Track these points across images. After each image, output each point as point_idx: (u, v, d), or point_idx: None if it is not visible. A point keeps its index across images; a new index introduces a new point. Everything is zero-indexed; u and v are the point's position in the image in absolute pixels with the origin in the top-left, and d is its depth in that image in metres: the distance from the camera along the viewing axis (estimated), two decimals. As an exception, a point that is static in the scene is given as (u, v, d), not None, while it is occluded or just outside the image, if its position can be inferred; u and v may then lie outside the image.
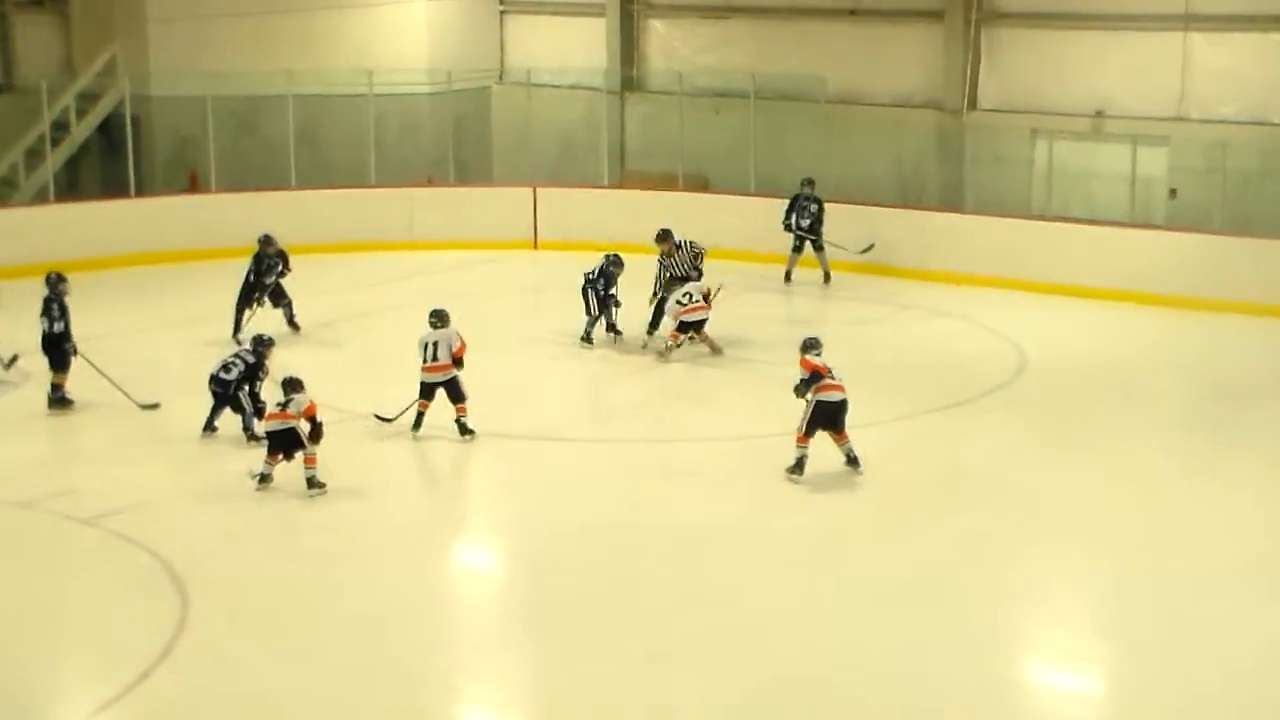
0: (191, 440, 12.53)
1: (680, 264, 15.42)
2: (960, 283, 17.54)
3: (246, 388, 12.12)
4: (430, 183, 21.29)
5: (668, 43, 22.61)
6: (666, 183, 20.75)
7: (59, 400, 12.92)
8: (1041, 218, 18.41)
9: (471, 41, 23.49)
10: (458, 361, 12.06)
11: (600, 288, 14.62)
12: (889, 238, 17.72)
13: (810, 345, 11.58)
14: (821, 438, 11.19)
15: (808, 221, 17.02)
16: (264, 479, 11.09)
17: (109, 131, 20.32)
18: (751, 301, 16.49)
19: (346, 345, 15.62)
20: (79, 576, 10.48)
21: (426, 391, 12.16)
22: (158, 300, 17.02)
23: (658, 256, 15.53)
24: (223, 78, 19.42)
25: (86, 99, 20.28)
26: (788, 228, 17.13)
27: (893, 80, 20.27)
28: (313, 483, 10.97)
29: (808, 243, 17.16)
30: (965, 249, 17.99)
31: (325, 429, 11.33)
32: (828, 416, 11.17)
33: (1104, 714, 8.59)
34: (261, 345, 12.24)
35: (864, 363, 13.56)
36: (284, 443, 11.12)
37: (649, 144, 22.43)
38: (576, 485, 11.74)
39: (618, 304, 14.78)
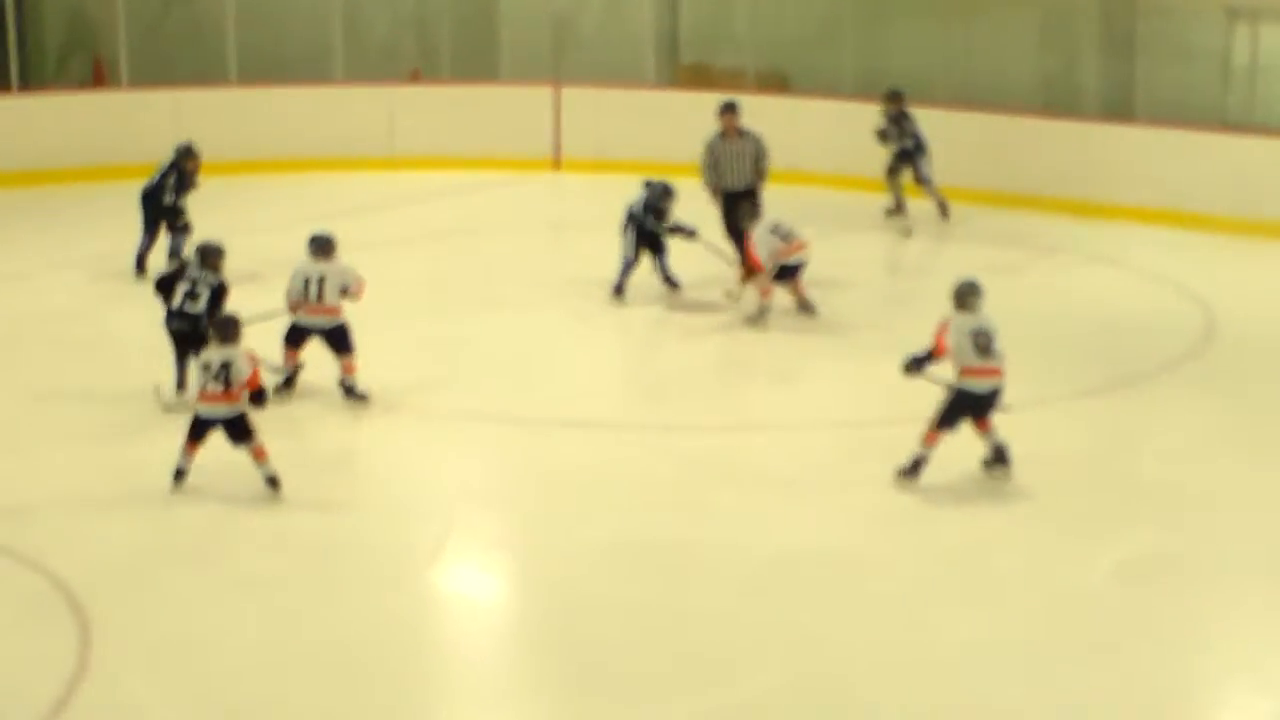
0: (96, 422, 12.80)
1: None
2: (1127, 219, 18.10)
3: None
4: (417, 79, 21.88)
5: None
6: (732, 81, 20.96)
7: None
8: (1239, 130, 18.65)
9: None
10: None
11: (646, 224, 14.81)
12: (1029, 158, 18.23)
13: (967, 293, 11.17)
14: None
15: (911, 142, 17.26)
16: (180, 476, 11.38)
17: None
18: (844, 244, 16.85)
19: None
20: None
21: (297, 338, 12.77)
22: (48, 232, 17.69)
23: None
24: None
25: None
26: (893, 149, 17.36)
27: None
28: (274, 483, 11.32)
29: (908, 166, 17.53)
30: (1134, 173, 18.46)
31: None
32: (973, 408, 11.07)
33: None
34: (210, 255, 12.69)
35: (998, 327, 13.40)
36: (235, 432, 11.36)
37: (709, 30, 22.96)
38: (611, 489, 11.77)
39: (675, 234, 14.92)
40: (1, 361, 14.34)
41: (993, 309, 14.34)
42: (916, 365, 11.23)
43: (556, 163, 20.78)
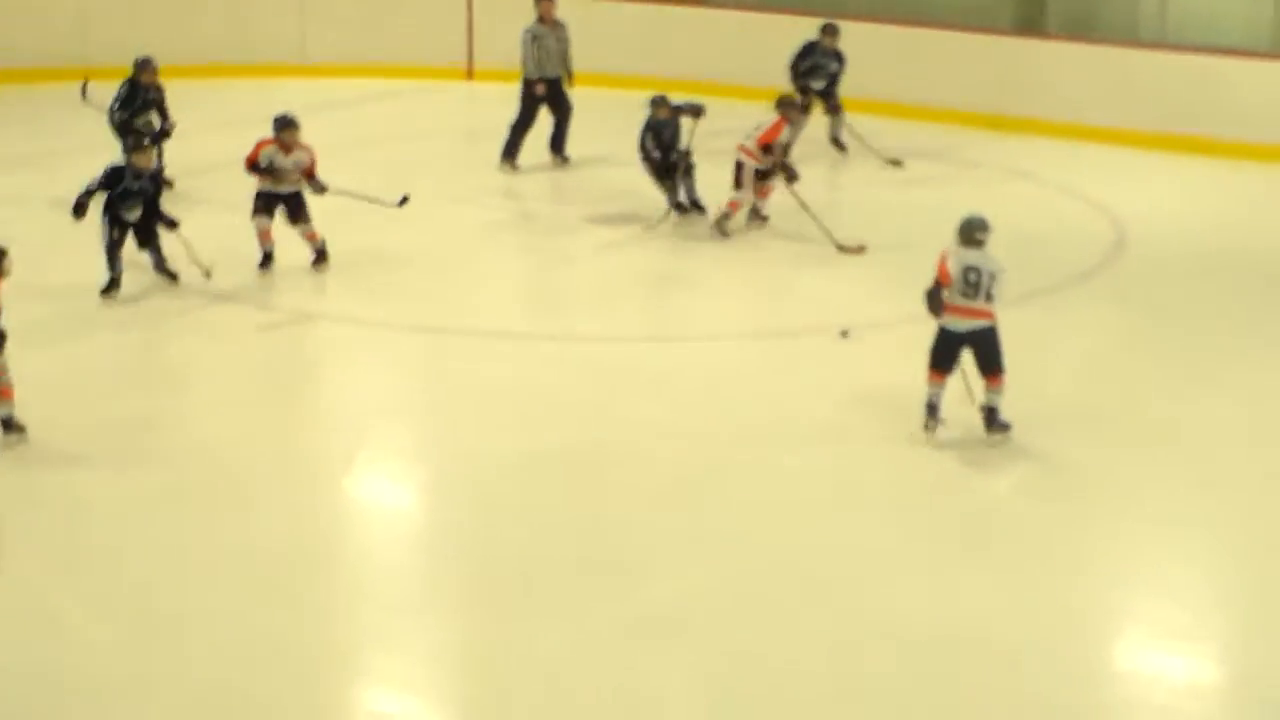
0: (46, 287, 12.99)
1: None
2: (1040, 133, 18.32)
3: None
4: None
5: None
6: None
7: None
8: (1149, 46, 18.78)
9: None
10: (310, 177, 13.60)
11: (651, 149, 14.95)
12: (944, 71, 18.50)
13: (972, 228, 10.90)
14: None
15: (822, 83, 17.24)
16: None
17: None
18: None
19: (212, 207, 15.59)
20: None
21: (268, 206, 13.51)
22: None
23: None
24: None
25: None
26: (798, 86, 17.38)
27: None
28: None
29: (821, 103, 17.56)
30: (1048, 87, 18.66)
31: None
32: (954, 346, 10.98)
33: (1211, 708, 8.68)
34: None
35: (914, 239, 13.80)
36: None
37: None
38: (524, 399, 11.77)
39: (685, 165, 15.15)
40: None
41: (908, 220, 14.91)
42: (933, 301, 10.93)
43: (469, 72, 20.77)
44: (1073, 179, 17.32)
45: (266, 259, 13.77)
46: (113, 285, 13.34)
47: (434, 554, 10.40)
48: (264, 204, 13.66)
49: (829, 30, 17.15)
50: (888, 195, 16.95)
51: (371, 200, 14.28)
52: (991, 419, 10.97)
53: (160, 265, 13.54)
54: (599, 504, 10.44)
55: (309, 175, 13.90)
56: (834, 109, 17.67)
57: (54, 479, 11.20)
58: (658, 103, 15.25)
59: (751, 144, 15.14)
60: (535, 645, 8.95)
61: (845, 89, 17.96)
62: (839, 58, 17.24)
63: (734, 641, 9.02)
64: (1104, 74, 18.72)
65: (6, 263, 11.56)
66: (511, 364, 12.82)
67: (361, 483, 11.38)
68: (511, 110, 17.95)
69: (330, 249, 14.51)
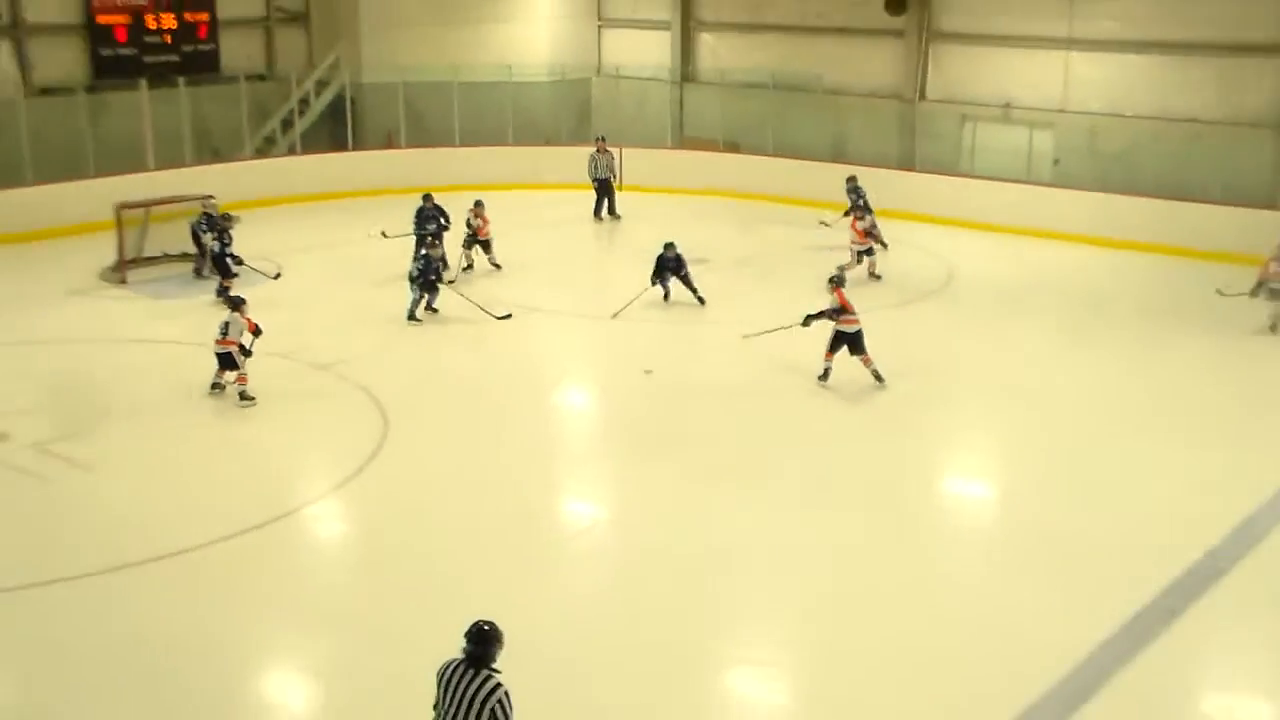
0: (388, 316, 16.85)
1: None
2: (909, 219, 22.70)
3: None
4: (548, 144, 27.59)
5: (714, 49, 28.80)
6: (710, 146, 27.01)
7: (224, 293, 17.12)
8: (967, 175, 24.00)
9: (578, 47, 30.14)
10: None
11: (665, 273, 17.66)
12: (863, 188, 21.49)
13: (838, 279, 14.16)
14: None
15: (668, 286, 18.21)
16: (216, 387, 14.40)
17: (335, 107, 27.23)
18: (766, 233, 22.25)
19: (521, 258, 20.11)
20: (319, 404, 14.34)
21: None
22: (361, 219, 21.63)
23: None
24: (410, 70, 26.33)
25: (321, 85, 27.35)
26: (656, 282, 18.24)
27: (867, 77, 26.10)
28: (244, 396, 14.13)
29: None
30: (914, 196, 23.60)
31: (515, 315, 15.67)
32: (845, 342, 14.05)
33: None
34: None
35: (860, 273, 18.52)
36: (226, 363, 14.15)
37: (699, 119, 28.42)
38: (633, 350, 15.73)
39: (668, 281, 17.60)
40: (336, 283, 18.76)
41: (833, 265, 17.47)
42: (816, 317, 14.23)
43: (619, 185, 24.72)
44: (925, 243, 21.35)
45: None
46: (413, 317, 16.90)
47: (597, 427, 14.05)
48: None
49: (668, 246, 17.92)
50: (822, 254, 19.99)
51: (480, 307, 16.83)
52: (876, 376, 14.13)
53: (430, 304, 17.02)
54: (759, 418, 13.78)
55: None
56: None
57: (415, 393, 14.96)
58: (668, 246, 17.57)
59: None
60: (641, 477, 12.58)
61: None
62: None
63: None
64: (942, 190, 23.56)
65: (245, 308, 14.31)
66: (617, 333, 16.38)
67: (569, 389, 15.20)
68: (639, 203, 23.23)
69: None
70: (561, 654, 9.34)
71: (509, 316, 16.90)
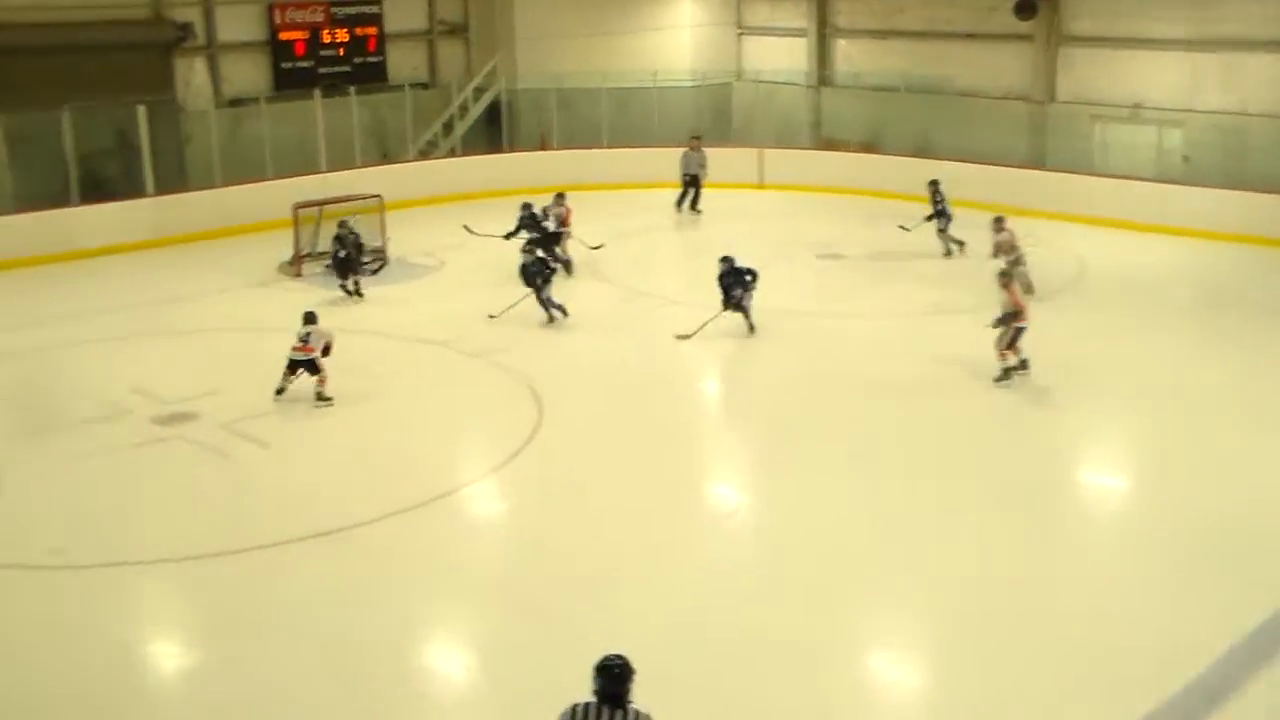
0: (535, 307, 16.56)
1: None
2: (1040, 217, 21.94)
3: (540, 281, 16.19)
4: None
5: (849, 53, 28.67)
6: (846, 146, 26.78)
7: (355, 292, 17.98)
8: (1098, 174, 23.26)
9: (719, 53, 30.23)
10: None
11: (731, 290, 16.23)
12: (989, 188, 22.35)
13: (1008, 274, 13.62)
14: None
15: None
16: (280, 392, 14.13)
17: (492, 111, 27.85)
18: (897, 230, 21.07)
19: (639, 250, 20.61)
20: (475, 390, 14.63)
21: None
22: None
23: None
24: (561, 76, 26.75)
25: (479, 91, 27.89)
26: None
27: (997, 80, 25.77)
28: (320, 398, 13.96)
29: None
30: (1045, 194, 23.03)
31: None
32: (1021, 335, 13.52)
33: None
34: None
35: (967, 269, 18.55)
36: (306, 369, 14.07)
37: (835, 121, 28.31)
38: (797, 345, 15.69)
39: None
40: (468, 289, 18.44)
41: (978, 260, 17.39)
42: (1004, 320, 13.50)
43: (760, 184, 26.07)
44: (1057, 240, 20.63)
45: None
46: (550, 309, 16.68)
47: (743, 419, 14.18)
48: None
49: (724, 260, 16.57)
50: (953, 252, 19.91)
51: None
52: (1023, 366, 13.71)
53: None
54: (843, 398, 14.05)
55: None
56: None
57: (565, 379, 14.88)
58: (724, 258, 16.30)
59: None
60: (780, 458, 12.52)
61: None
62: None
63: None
64: (1073, 188, 22.77)
65: (326, 329, 14.19)
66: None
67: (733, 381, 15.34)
68: (783, 200, 23.49)
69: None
70: (709, 635, 9.32)
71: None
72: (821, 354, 15.81)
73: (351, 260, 18.12)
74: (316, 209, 20.80)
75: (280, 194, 21.89)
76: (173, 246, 21.85)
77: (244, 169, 23.77)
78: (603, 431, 13.30)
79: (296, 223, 20.21)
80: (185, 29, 24.87)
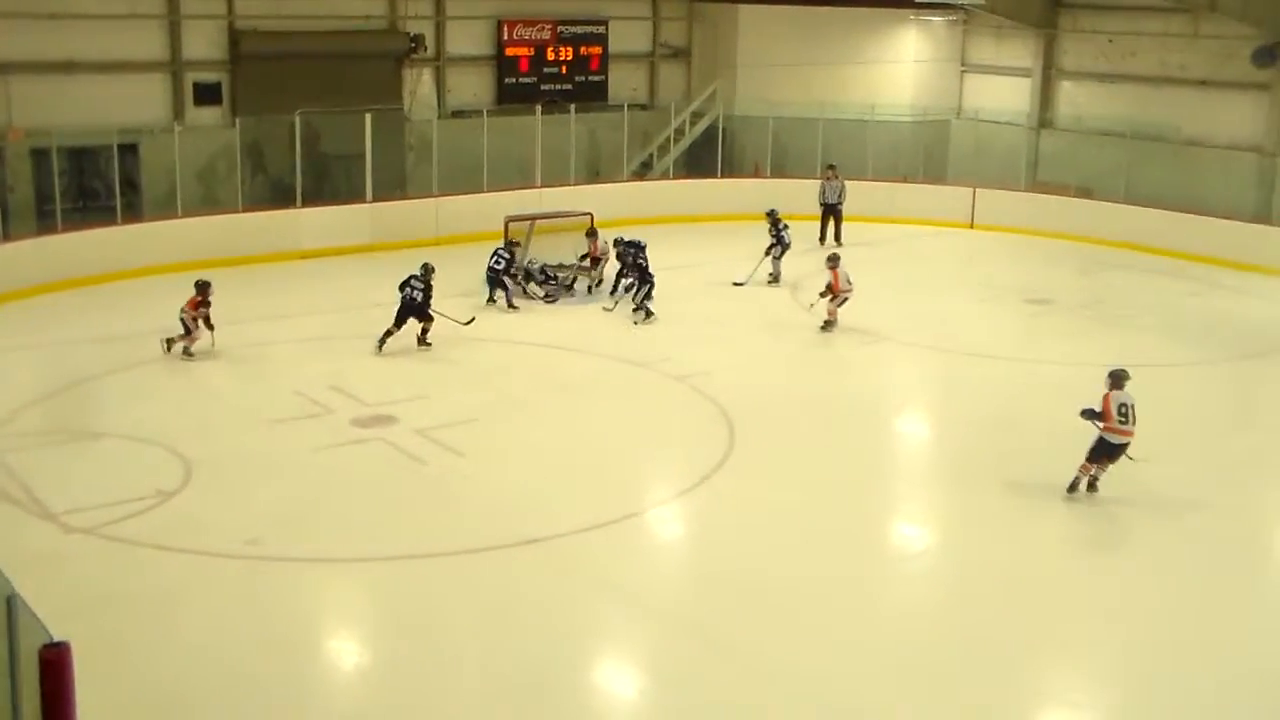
0: (748, 332, 17.41)
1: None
2: (1266, 273, 22.07)
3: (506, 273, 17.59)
4: (905, 180, 27.55)
5: (1072, 96, 28.33)
6: (1062, 191, 26.12)
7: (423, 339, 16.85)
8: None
9: (940, 89, 30.08)
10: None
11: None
12: (1211, 241, 22.63)
13: (1118, 378, 11.84)
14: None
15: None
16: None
17: (708, 136, 28.04)
18: (1109, 278, 21.74)
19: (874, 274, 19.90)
20: (672, 413, 14.83)
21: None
22: (724, 240, 22.95)
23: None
24: (779, 105, 27.00)
25: (696, 115, 28.35)
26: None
27: (1226, 129, 25.17)
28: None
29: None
30: (1272, 250, 22.53)
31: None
32: (1107, 452, 11.91)
33: None
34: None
35: (1183, 321, 18.58)
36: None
37: (1053, 164, 27.82)
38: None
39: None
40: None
41: (1181, 311, 18.10)
42: (1091, 415, 11.95)
43: (971, 224, 26.10)
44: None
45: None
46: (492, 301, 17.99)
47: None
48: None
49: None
50: (1165, 299, 20.23)
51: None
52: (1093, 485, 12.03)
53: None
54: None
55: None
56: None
57: (757, 406, 15.42)
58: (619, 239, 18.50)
59: None
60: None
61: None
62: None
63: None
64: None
65: (210, 292, 15.28)
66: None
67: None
68: (994, 242, 23.32)
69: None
70: (886, 676, 9.30)
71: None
72: (1015, 398, 15.64)
73: (505, 280, 18.71)
74: (528, 223, 21.14)
75: (494, 206, 22.30)
76: (387, 252, 22.14)
77: (462, 179, 24.29)
78: (791, 463, 13.33)
79: (507, 235, 20.50)
80: (417, 40, 25.72)
